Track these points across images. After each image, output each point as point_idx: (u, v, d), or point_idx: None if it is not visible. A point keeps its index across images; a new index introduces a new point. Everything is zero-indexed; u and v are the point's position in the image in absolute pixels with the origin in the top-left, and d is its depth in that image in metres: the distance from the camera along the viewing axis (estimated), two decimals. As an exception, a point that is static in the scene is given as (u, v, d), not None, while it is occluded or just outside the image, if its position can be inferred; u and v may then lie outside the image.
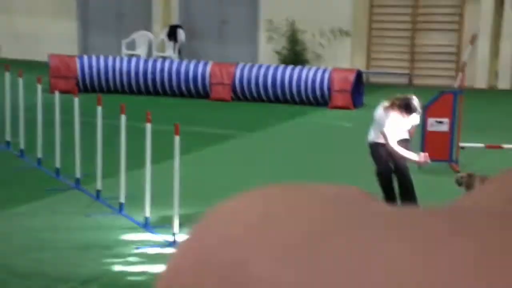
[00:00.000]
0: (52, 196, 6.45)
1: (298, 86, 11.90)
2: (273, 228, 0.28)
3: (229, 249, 0.29)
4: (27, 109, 7.67)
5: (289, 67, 12.28)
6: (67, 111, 6.96)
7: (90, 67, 12.20)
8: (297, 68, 12.19)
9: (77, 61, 12.27)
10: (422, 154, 6.20)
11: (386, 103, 5.94)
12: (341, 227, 0.27)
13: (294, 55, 14.79)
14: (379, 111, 5.96)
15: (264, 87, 12.02)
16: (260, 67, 12.35)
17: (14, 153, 7.77)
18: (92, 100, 7.03)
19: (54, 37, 15.77)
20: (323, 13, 14.53)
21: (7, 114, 7.90)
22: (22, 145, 7.66)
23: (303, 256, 0.26)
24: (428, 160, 6.08)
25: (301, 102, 11.94)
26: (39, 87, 7.39)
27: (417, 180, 6.18)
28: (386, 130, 5.81)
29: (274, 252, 0.27)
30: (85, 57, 12.53)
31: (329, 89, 11.82)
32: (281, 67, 12.44)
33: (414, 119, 5.95)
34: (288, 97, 11.99)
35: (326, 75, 11.88)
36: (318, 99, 11.91)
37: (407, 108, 5.84)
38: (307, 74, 11.96)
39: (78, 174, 6.67)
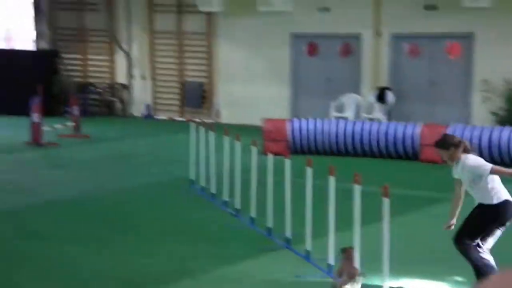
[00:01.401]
0: (265, 255, 6.66)
1: (517, 147, 11.16)
2: None
3: None
4: (243, 171, 8.08)
5: (507, 128, 11.60)
6: (279, 172, 7.22)
7: (301, 129, 12.62)
8: (515, 129, 11.48)
9: (289, 124, 12.76)
10: None
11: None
12: None
13: (512, 115, 13.96)
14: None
15: (479, 148, 11.44)
16: (474, 128, 11.83)
17: (230, 212, 8.19)
18: (302, 162, 7.24)
19: (267, 102, 16.64)
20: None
21: (225, 175, 8.40)
22: (237, 205, 8.06)
23: None
24: None
25: (520, 164, 11.15)
26: (254, 150, 7.78)
27: None
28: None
29: None
30: (296, 120, 13.00)
31: (551, 150, 10.92)
32: (498, 128, 11.79)
33: None
34: (506, 158, 11.28)
35: (549, 135, 11.02)
36: (539, 161, 11.04)
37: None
38: (527, 135, 11.19)
39: (288, 234, 6.82)
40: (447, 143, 5.69)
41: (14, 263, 6.24)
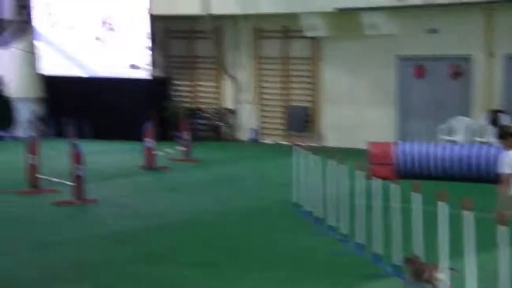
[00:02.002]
0: (373, 282, 6.55)
1: None
2: None
3: None
4: (349, 195, 8.01)
5: None
6: (386, 197, 7.10)
7: (408, 153, 12.35)
8: None
9: (395, 147, 12.54)
10: None
11: None
12: None
13: None
14: None
15: None
16: None
17: (336, 238, 8.13)
18: (410, 187, 7.09)
19: (373, 125, 16.47)
20: None
21: (331, 200, 8.36)
22: (344, 230, 7.99)
23: None
24: None
25: None
26: (360, 174, 7.71)
27: None
28: None
29: None
30: (403, 144, 12.75)
31: None
32: None
33: None
34: None
35: None
36: None
37: None
38: None
39: (397, 261, 6.68)
40: (505, 133, 6.88)
41: (132, 285, 6.48)
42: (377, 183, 7.20)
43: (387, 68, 16.41)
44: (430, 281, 5.62)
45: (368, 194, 7.48)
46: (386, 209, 7.04)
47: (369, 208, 7.35)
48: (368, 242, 7.37)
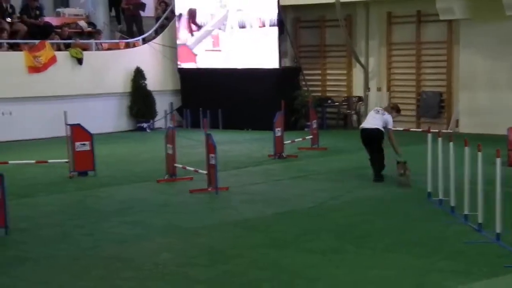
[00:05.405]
0: (511, 273, 6.19)
1: None
2: None
3: None
4: (486, 183, 7.61)
5: None
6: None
7: (553, 140, 11.51)
8: None
9: (538, 134, 11.74)
10: None
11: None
12: None
13: None
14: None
15: None
16: None
17: (472, 227, 7.77)
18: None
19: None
20: None
21: (466, 188, 7.99)
22: (480, 219, 7.61)
23: None
24: None
25: None
26: (498, 161, 7.29)
27: None
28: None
29: None
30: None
31: None
32: None
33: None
34: None
35: None
36: None
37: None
38: None
39: (538, 252, 6.26)
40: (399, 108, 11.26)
41: (261, 271, 6.57)
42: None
43: (531, 50, 15.42)
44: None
45: (508, 182, 7.05)
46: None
47: (508, 196, 6.93)
48: (506, 232, 6.96)
